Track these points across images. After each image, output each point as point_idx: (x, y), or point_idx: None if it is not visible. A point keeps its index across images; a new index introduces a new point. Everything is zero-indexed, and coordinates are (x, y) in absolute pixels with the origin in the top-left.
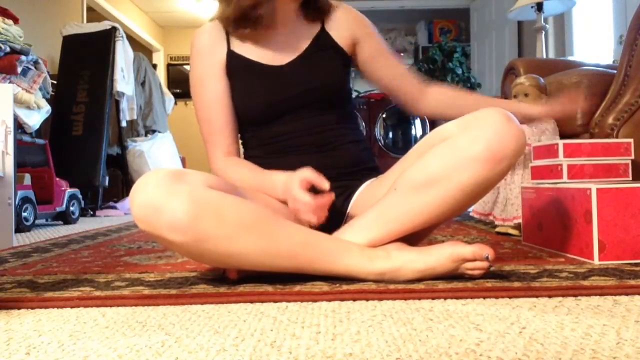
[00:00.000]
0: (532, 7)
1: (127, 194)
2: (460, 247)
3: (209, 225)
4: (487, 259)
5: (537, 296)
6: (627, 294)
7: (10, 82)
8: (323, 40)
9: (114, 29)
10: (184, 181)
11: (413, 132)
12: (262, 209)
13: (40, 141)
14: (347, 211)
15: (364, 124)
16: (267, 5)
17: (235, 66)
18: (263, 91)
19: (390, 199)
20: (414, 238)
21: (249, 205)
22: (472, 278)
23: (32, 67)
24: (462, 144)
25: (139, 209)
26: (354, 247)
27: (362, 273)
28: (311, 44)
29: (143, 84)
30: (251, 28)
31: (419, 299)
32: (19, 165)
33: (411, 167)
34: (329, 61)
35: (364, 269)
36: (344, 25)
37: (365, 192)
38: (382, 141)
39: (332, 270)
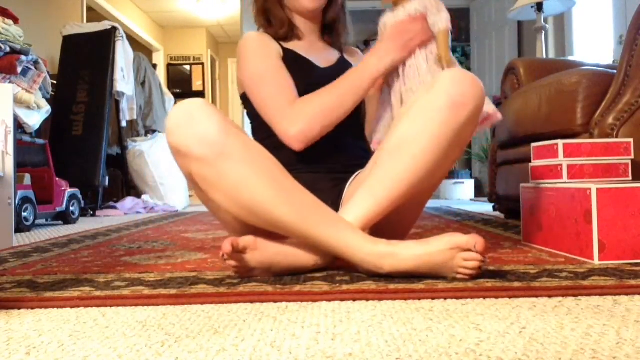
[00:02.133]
0: (532, 7)
1: (127, 194)
2: (456, 236)
3: (235, 145)
4: (475, 247)
5: (537, 296)
6: (627, 294)
7: (10, 82)
8: (346, 62)
9: (114, 29)
10: (219, 111)
11: None
12: (283, 168)
13: (40, 141)
14: (341, 202)
15: None
16: (288, 26)
17: (290, 57)
18: (310, 82)
19: (373, 173)
20: (404, 222)
21: (272, 156)
22: (466, 279)
23: (32, 67)
24: (426, 100)
25: (175, 118)
26: (358, 230)
27: (362, 252)
28: (338, 61)
29: (143, 84)
30: (290, 41)
31: (419, 299)
32: (19, 165)
33: (386, 137)
34: None
35: (364, 247)
36: (355, 61)
37: (355, 181)
38: None
39: (332, 241)
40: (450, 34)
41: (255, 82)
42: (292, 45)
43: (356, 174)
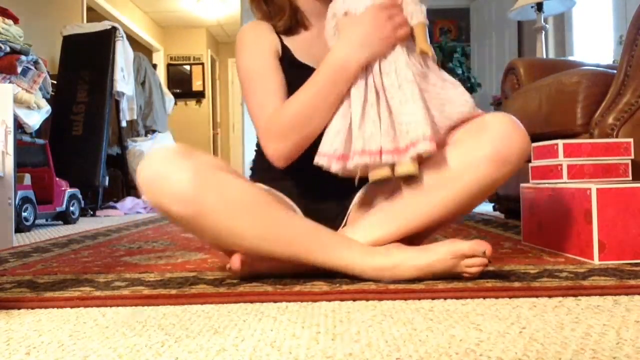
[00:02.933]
0: (532, 7)
1: (127, 194)
2: (458, 244)
3: (211, 198)
4: (484, 254)
5: (537, 296)
6: (627, 294)
7: (10, 82)
8: None
9: (114, 29)
10: (191, 156)
11: None
12: (265, 193)
13: (40, 141)
14: (348, 211)
15: None
16: (289, 13)
17: (285, 60)
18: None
19: (397, 200)
20: (417, 238)
21: (253, 188)
22: (470, 278)
23: (32, 67)
24: (470, 147)
25: (145, 179)
26: (354, 242)
27: (360, 268)
28: None
29: (143, 84)
30: (296, 34)
31: (419, 299)
32: (19, 165)
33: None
34: None
35: (362, 263)
36: None
37: (368, 193)
38: None
39: (329, 262)
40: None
41: (244, 85)
42: (296, 41)
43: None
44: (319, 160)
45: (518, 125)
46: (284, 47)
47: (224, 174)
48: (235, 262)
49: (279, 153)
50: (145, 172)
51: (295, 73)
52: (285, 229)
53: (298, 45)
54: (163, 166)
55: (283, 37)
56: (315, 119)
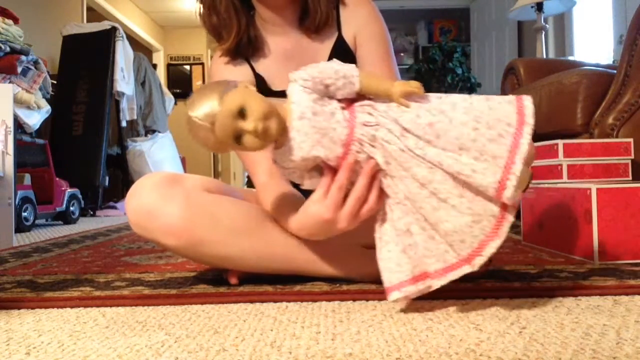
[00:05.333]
0: (532, 7)
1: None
2: None
3: (203, 229)
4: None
5: (537, 296)
6: (627, 294)
7: (10, 82)
8: (339, 49)
9: (114, 29)
10: (179, 185)
11: None
12: (259, 212)
13: (40, 141)
14: None
15: None
16: (250, 31)
17: (263, 92)
18: None
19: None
20: None
21: (245, 209)
22: (472, 277)
23: (32, 67)
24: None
25: (133, 214)
26: (353, 250)
27: (360, 275)
28: (330, 57)
29: (143, 84)
30: (254, 55)
31: (419, 299)
32: (19, 165)
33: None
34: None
35: (359, 272)
36: (352, 23)
37: None
38: None
39: (328, 272)
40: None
41: None
42: (265, 65)
43: None
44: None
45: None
46: (257, 77)
47: (214, 198)
48: (233, 280)
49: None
50: (133, 205)
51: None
52: (280, 246)
53: (270, 71)
54: (151, 198)
55: (253, 64)
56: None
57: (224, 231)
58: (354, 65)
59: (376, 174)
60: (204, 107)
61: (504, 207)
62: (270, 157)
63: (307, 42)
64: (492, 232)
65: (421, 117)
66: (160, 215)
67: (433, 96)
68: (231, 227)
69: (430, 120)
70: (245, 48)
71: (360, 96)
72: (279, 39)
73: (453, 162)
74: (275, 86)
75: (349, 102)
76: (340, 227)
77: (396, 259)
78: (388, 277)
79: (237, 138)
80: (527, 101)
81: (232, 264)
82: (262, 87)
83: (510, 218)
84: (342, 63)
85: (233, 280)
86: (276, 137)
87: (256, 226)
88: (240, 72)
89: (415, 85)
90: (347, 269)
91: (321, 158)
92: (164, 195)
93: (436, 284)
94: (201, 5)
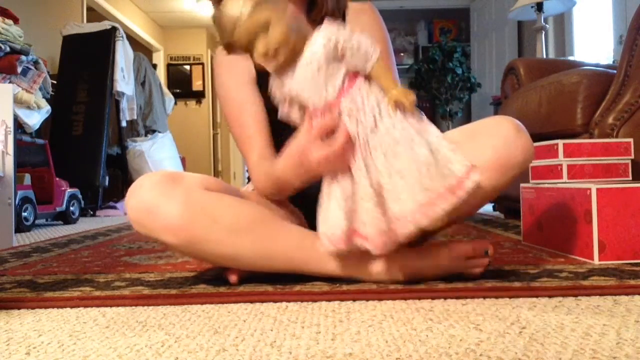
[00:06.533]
0: (532, 7)
1: None
2: (460, 244)
3: (203, 228)
4: (486, 254)
5: (537, 296)
6: (627, 294)
7: (10, 82)
8: None
9: (114, 29)
10: (179, 184)
11: None
12: (259, 210)
13: (40, 141)
14: None
15: None
16: None
17: (261, 81)
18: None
19: None
20: (417, 242)
21: (245, 207)
22: (472, 277)
23: (32, 67)
24: (470, 152)
25: (134, 211)
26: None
27: (359, 274)
28: None
29: (143, 84)
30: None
31: (419, 299)
32: (19, 165)
33: None
34: None
35: (359, 271)
36: (356, 28)
37: None
38: None
39: (328, 271)
40: (391, 54)
41: (225, 111)
42: None
43: None
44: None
45: (522, 130)
46: (258, 74)
47: (214, 196)
48: (233, 278)
49: (267, 194)
50: (133, 202)
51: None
52: (280, 245)
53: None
54: (151, 196)
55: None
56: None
57: (223, 230)
58: (379, 50)
59: (349, 137)
60: (239, 3)
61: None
62: (264, 136)
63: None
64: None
65: (394, 130)
66: (159, 213)
67: (414, 122)
68: (231, 226)
69: (397, 138)
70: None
71: (366, 76)
72: None
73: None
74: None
75: (353, 75)
76: (311, 158)
77: (334, 213)
78: (322, 228)
79: (248, 46)
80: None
81: (232, 262)
82: (264, 81)
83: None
84: (371, 42)
85: (233, 279)
86: (282, 65)
87: (256, 225)
88: (244, 66)
89: (410, 99)
90: (347, 269)
91: (306, 102)
92: (163, 194)
93: (367, 245)
94: None
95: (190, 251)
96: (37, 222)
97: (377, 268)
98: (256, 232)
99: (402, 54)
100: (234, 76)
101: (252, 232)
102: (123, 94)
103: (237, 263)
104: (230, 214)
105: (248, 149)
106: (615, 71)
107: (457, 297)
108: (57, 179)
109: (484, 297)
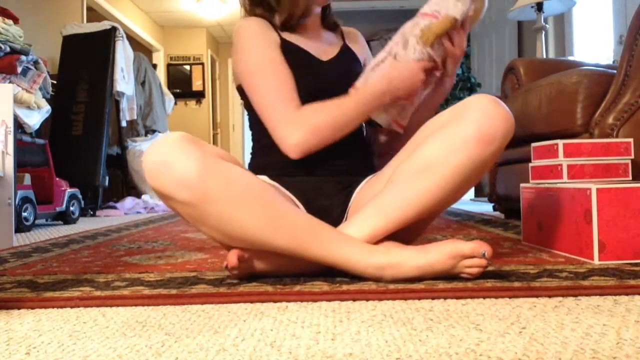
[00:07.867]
0: (532, 7)
1: (127, 194)
2: (459, 244)
3: (217, 185)
4: (484, 256)
5: (537, 296)
6: (627, 294)
7: (10, 82)
8: (348, 52)
9: (114, 29)
10: (199, 145)
11: None
12: (270, 186)
13: (40, 141)
14: (348, 208)
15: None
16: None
17: (289, 50)
18: (310, 78)
19: (388, 190)
20: (410, 234)
21: (258, 180)
22: (470, 278)
23: (32, 67)
24: (454, 129)
25: (150, 164)
26: (355, 240)
27: (360, 265)
28: (340, 51)
29: (143, 84)
30: (291, 31)
31: (419, 299)
32: (19, 165)
33: (407, 158)
34: (359, 64)
35: (362, 261)
36: (358, 49)
37: (365, 189)
38: None
39: (330, 258)
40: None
41: (253, 75)
42: (292, 37)
43: (367, 179)
44: None
45: (499, 104)
46: (284, 41)
47: (230, 165)
48: (232, 258)
49: (303, 145)
50: (151, 157)
51: (300, 61)
52: (288, 221)
53: (295, 40)
54: (169, 152)
55: (281, 34)
56: (346, 130)
57: (235, 192)
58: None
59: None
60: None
61: None
62: (292, 87)
63: (326, 33)
64: None
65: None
66: (176, 166)
67: None
68: (243, 191)
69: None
70: (294, 23)
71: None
72: (310, 24)
73: None
74: (303, 47)
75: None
76: (415, 79)
77: None
78: None
79: (435, 40)
80: None
81: (239, 230)
82: (290, 47)
83: None
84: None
85: (232, 260)
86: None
87: (267, 196)
88: (272, 34)
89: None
90: (351, 259)
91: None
92: (183, 150)
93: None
94: None
95: (199, 211)
96: (37, 222)
97: (380, 258)
98: (266, 203)
99: None
100: (268, 40)
101: (262, 202)
102: (123, 94)
103: (242, 232)
104: (243, 181)
105: (289, 99)
106: (615, 71)
107: (457, 297)
108: (57, 179)
109: (484, 297)
